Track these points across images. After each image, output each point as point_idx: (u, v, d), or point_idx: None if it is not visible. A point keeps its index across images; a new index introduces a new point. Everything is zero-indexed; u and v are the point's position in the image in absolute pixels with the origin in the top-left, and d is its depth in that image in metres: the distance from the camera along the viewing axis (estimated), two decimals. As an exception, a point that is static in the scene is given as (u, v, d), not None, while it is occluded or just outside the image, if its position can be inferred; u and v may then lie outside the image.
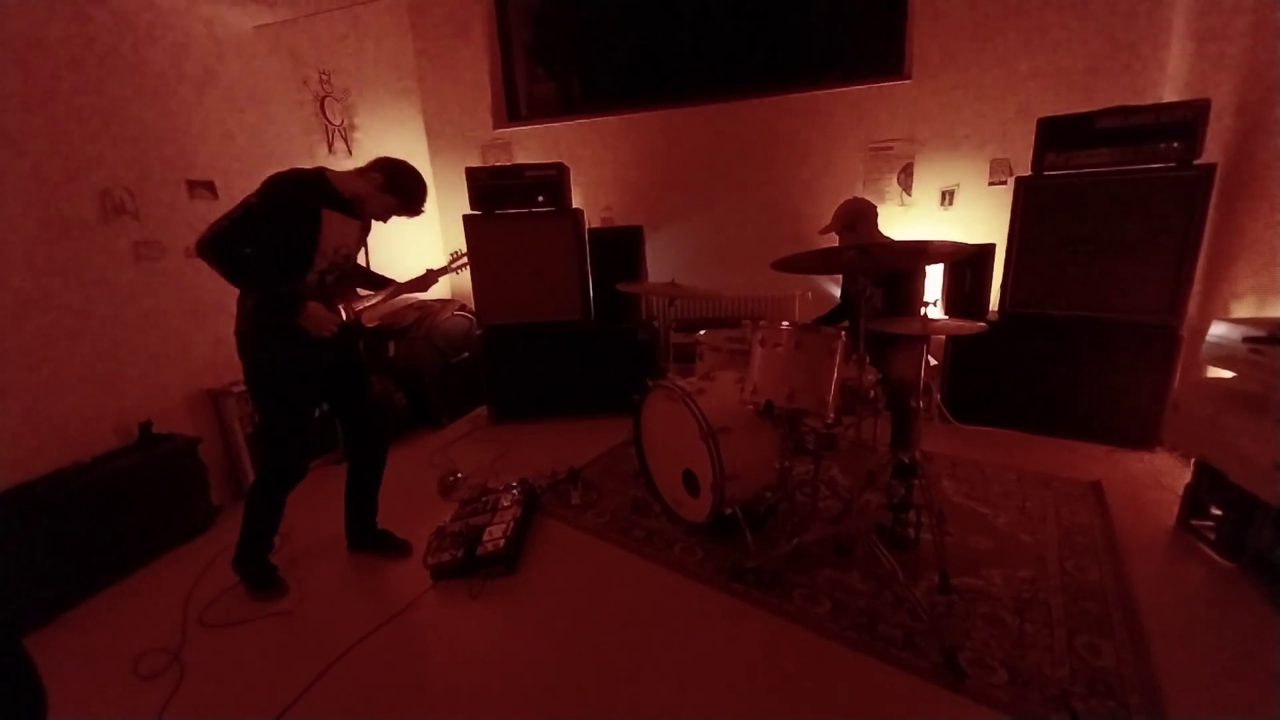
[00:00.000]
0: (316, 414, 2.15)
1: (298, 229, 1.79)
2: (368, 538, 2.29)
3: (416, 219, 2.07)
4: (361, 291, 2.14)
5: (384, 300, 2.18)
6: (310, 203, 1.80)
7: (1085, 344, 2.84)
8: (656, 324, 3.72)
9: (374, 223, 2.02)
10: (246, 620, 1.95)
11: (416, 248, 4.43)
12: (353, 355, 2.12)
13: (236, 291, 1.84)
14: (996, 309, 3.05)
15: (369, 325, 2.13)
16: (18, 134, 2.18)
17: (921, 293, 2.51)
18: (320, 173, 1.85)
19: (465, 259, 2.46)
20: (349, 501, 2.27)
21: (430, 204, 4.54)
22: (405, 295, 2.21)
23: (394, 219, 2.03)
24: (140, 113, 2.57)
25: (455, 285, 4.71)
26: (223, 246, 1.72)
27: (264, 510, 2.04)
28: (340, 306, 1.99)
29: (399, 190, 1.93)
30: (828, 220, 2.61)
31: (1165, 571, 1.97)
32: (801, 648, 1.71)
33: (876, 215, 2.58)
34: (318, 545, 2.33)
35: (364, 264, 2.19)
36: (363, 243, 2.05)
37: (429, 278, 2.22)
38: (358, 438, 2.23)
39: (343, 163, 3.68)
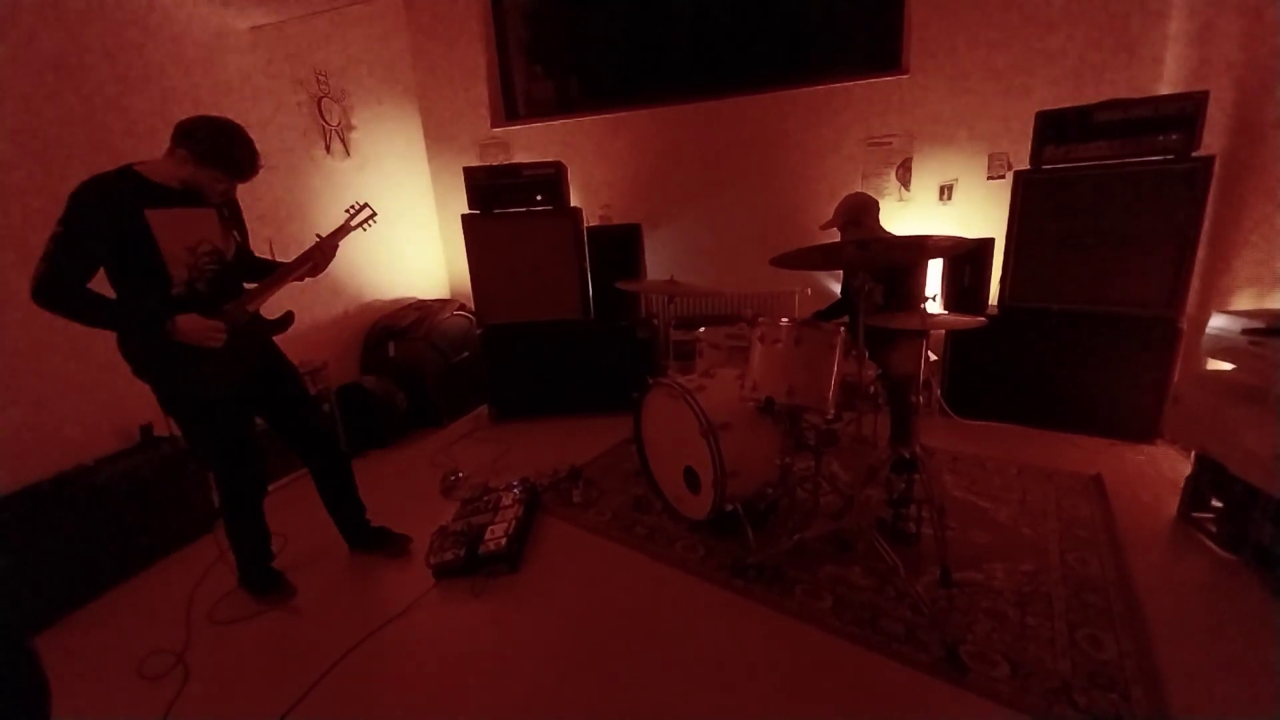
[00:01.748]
0: (252, 425, 1.96)
1: (124, 241, 1.55)
2: (364, 537, 2.28)
3: (377, 219, 1.81)
4: (248, 285, 1.88)
5: (275, 286, 1.87)
6: (123, 208, 1.54)
7: (1085, 337, 2.84)
8: (656, 322, 3.72)
9: (360, 226, 1.82)
10: (249, 620, 1.95)
11: (412, 246, 4.43)
12: (273, 358, 1.96)
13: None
14: (996, 303, 3.04)
15: (273, 319, 1.92)
16: (13, 135, 2.18)
17: (922, 288, 2.51)
18: (128, 169, 1.60)
19: (367, 209, 2.09)
20: (330, 510, 2.22)
21: (429, 204, 4.60)
22: (303, 275, 1.92)
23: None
24: (137, 114, 2.57)
25: (455, 285, 4.72)
26: (55, 291, 1.49)
27: (241, 529, 1.99)
28: (228, 309, 1.75)
29: (211, 157, 1.60)
30: (827, 216, 2.60)
31: (1166, 564, 1.97)
32: (803, 643, 1.71)
33: (879, 210, 2.58)
34: (318, 547, 2.32)
35: (253, 252, 1.94)
36: (230, 232, 1.79)
37: (324, 245, 1.94)
38: (305, 447, 2.09)
39: (341, 164, 3.68)
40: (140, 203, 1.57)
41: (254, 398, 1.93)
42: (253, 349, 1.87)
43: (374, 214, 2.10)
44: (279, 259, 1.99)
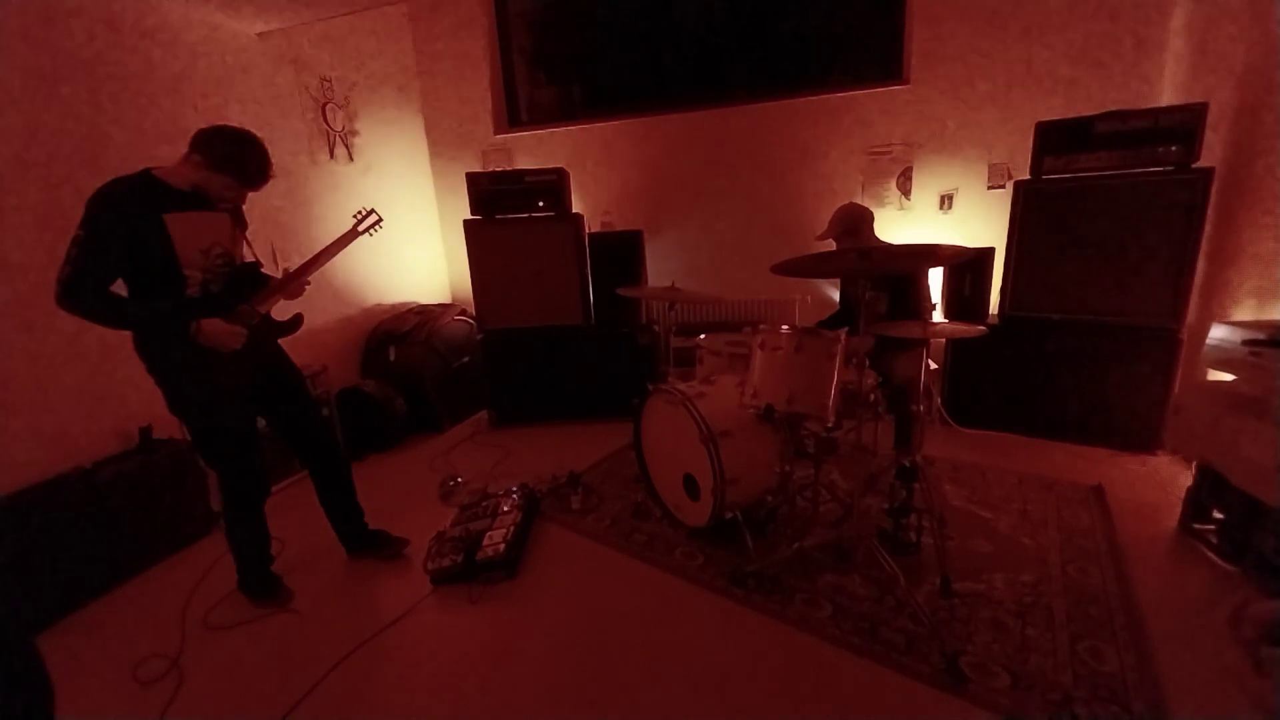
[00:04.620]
0: (257, 431, 1.97)
1: (142, 244, 1.59)
2: (361, 540, 2.27)
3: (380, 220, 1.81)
4: (273, 274, 1.93)
5: (282, 290, 1.90)
6: (142, 211, 1.58)
7: (1085, 347, 2.84)
8: (656, 328, 3.72)
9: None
10: (245, 624, 1.94)
11: (413, 251, 4.44)
12: (278, 359, 1.98)
13: None
14: (996, 313, 3.05)
15: (282, 320, 1.96)
16: (18, 139, 2.19)
17: (928, 297, 2.51)
18: (146, 173, 1.63)
19: (374, 215, 2.11)
20: (328, 512, 2.22)
21: (431, 209, 4.61)
22: (312, 273, 1.96)
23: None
24: (142, 118, 2.58)
25: (456, 290, 4.73)
26: (79, 293, 1.52)
27: (242, 533, 1.99)
28: (241, 310, 1.79)
29: (225, 164, 1.65)
30: (825, 225, 2.61)
31: (1168, 575, 1.96)
32: (803, 653, 1.70)
33: (873, 220, 2.59)
34: (315, 551, 2.32)
35: (253, 257, 1.96)
36: (240, 235, 1.84)
37: (330, 250, 1.97)
38: (306, 449, 2.10)
39: (344, 169, 3.70)
40: (159, 206, 1.61)
41: (258, 398, 1.94)
42: (261, 350, 1.89)
43: (380, 220, 2.13)
44: (281, 263, 2.00)
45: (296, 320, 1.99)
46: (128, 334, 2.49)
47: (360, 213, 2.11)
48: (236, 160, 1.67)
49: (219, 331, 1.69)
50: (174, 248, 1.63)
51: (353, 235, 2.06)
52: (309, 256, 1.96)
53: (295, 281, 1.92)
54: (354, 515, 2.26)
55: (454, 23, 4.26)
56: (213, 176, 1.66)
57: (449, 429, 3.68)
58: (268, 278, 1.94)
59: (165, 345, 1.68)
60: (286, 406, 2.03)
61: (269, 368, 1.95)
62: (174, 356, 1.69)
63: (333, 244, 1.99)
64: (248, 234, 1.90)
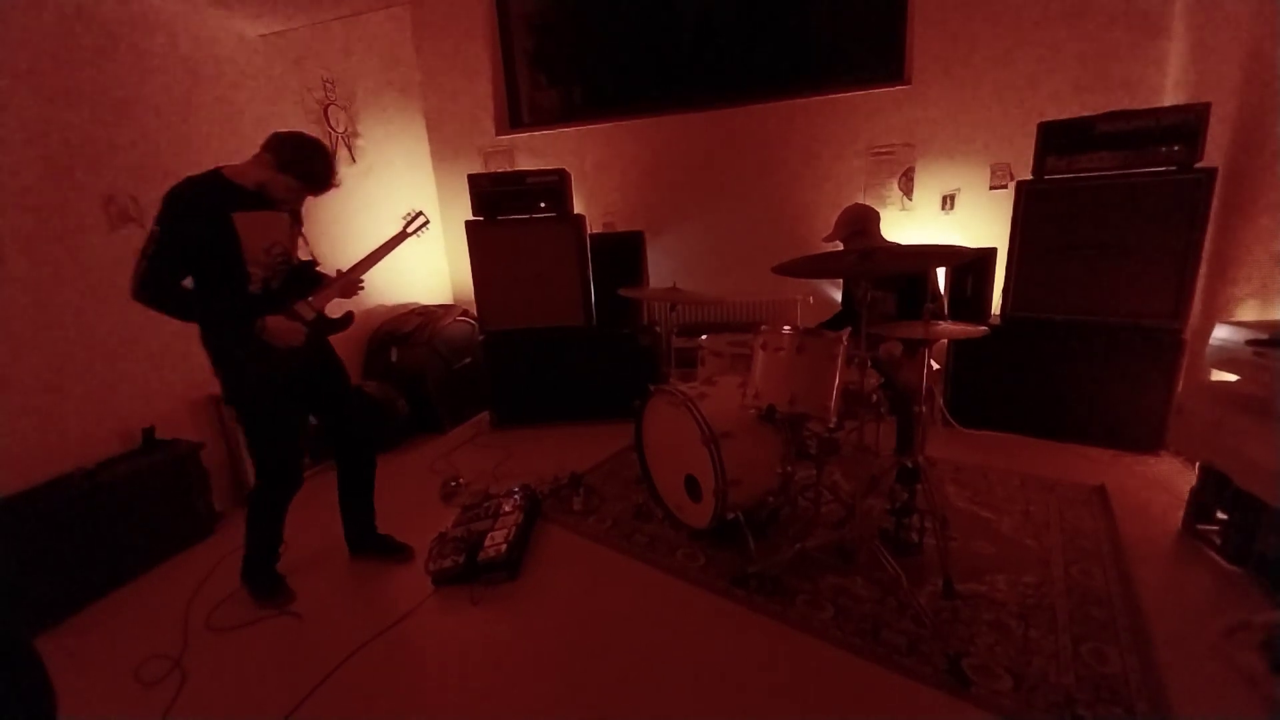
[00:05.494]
0: (306, 421, 2.08)
1: (213, 241, 1.66)
2: (369, 543, 2.29)
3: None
4: (327, 273, 2.01)
5: (340, 288, 1.98)
6: (214, 209, 1.66)
7: (1088, 348, 2.83)
8: (658, 329, 3.72)
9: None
10: (248, 625, 1.95)
11: (415, 252, 4.44)
12: (327, 354, 2.05)
13: None
14: (998, 313, 3.04)
15: (334, 318, 2.02)
16: (22, 140, 2.20)
17: (937, 294, 2.50)
18: (217, 173, 1.71)
19: (422, 217, 2.21)
20: (344, 508, 2.25)
21: (433, 210, 4.62)
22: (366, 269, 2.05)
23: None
24: (145, 120, 2.59)
25: (457, 291, 4.73)
26: (155, 287, 1.61)
27: (265, 523, 2.02)
28: (298, 307, 1.87)
29: (292, 166, 1.73)
30: (829, 225, 2.61)
31: (1171, 576, 1.96)
32: (804, 654, 1.70)
33: (879, 221, 2.59)
34: (318, 552, 2.32)
35: (309, 255, 2.05)
36: (298, 234, 1.92)
37: (380, 252, 2.06)
38: (344, 441, 2.16)
39: (346, 170, 3.70)
40: (229, 205, 1.68)
41: (307, 392, 2.00)
42: (314, 345, 1.95)
43: (427, 221, 2.23)
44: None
45: (348, 318, 2.06)
46: (129, 337, 2.51)
47: (409, 214, 2.20)
48: (304, 164, 1.75)
49: (282, 328, 1.78)
50: (240, 245, 1.70)
51: (402, 237, 2.14)
52: (361, 257, 2.04)
53: (349, 280, 2.00)
54: (367, 516, 2.29)
55: (456, 24, 4.27)
56: (278, 177, 1.74)
57: (450, 430, 3.68)
58: (322, 276, 2.01)
59: (230, 339, 1.76)
60: (331, 401, 2.09)
61: (318, 362, 2.02)
62: (237, 349, 1.77)
63: (383, 245, 2.07)
64: (304, 232, 1.97)
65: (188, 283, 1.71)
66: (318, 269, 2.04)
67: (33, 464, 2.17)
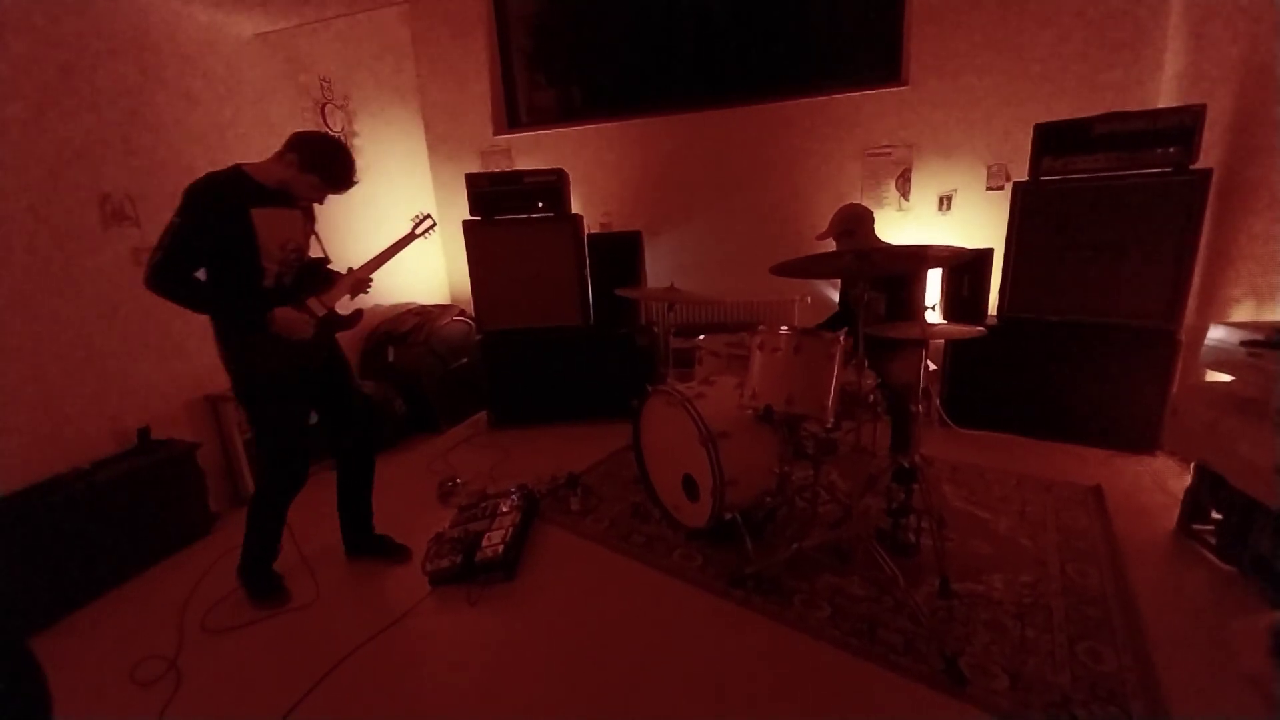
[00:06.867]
0: (310, 419, 2.10)
1: (230, 236, 1.69)
2: (366, 543, 2.28)
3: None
4: (336, 271, 2.03)
5: (351, 286, 2.02)
6: (234, 205, 1.69)
7: (1084, 348, 2.84)
8: (655, 329, 3.72)
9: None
10: (244, 626, 1.94)
11: (412, 251, 4.44)
12: (333, 351, 2.07)
13: None
14: (995, 313, 3.05)
15: (344, 315, 2.05)
16: (18, 139, 2.19)
17: (923, 298, 2.51)
18: (237, 170, 1.75)
19: (429, 219, 2.27)
20: (342, 508, 2.25)
21: (430, 210, 4.58)
22: (375, 268, 2.09)
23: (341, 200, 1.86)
24: (140, 119, 2.58)
25: (455, 291, 4.72)
26: (169, 277, 1.64)
27: (266, 520, 2.02)
28: (309, 303, 1.90)
29: (316, 166, 1.78)
30: (826, 225, 2.61)
31: (1166, 576, 1.97)
32: (801, 654, 1.70)
33: (873, 220, 2.59)
34: (316, 551, 2.31)
35: (322, 253, 2.07)
36: (311, 231, 1.95)
37: (390, 252, 2.13)
38: (344, 439, 2.16)
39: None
40: (248, 201, 1.71)
41: (313, 389, 2.02)
42: (322, 341, 1.98)
43: (435, 224, 2.30)
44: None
45: (357, 315, 2.10)
46: (125, 337, 2.50)
47: (417, 217, 2.26)
48: (330, 166, 1.81)
49: (291, 320, 1.80)
50: (257, 241, 1.73)
51: (410, 238, 2.19)
52: (371, 257, 2.08)
53: (359, 279, 2.04)
54: (365, 516, 2.28)
55: (454, 24, 4.26)
56: (301, 176, 1.77)
57: (447, 430, 3.68)
58: (333, 273, 2.04)
59: (240, 330, 1.78)
60: (336, 397, 2.10)
61: (325, 359, 2.03)
62: (248, 342, 1.79)
63: (391, 246, 2.13)
64: (316, 230, 1.99)
65: (201, 275, 1.73)
66: (329, 266, 2.06)
67: (27, 464, 2.16)
